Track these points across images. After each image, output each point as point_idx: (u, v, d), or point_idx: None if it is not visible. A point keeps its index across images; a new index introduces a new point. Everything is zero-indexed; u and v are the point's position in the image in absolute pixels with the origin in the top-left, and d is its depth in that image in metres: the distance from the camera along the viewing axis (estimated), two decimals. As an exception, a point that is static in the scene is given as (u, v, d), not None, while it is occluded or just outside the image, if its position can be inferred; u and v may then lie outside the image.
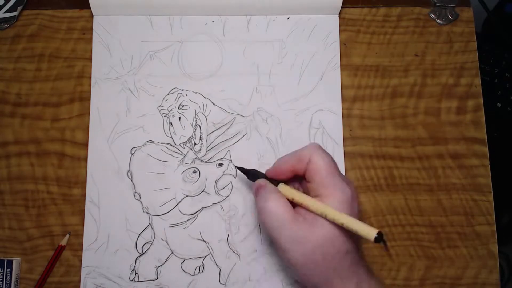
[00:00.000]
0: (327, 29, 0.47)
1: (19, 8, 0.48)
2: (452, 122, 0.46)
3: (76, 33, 0.48)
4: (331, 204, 0.35)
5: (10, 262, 0.43)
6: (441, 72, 0.47)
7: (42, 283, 0.43)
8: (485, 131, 0.46)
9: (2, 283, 0.43)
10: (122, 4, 0.47)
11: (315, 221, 0.35)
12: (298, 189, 0.39)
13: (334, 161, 0.37)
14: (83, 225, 0.44)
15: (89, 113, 0.46)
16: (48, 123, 0.46)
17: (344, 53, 0.48)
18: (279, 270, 0.43)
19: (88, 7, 0.47)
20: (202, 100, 0.46)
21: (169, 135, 0.45)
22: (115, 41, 0.47)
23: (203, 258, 0.44)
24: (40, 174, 0.45)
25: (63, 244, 0.44)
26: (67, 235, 0.44)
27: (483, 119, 0.46)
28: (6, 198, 0.45)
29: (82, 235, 0.44)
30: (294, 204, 0.37)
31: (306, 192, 0.38)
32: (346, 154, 0.45)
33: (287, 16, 0.48)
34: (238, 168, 0.42)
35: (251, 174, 0.41)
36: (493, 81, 0.63)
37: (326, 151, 0.37)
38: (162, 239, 0.44)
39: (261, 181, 0.39)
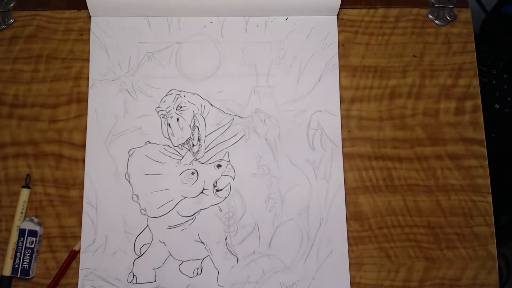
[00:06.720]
0: (325, 30, 0.47)
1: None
2: (450, 123, 0.46)
3: (74, 34, 0.48)
4: None
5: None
6: (439, 73, 0.47)
7: (55, 286, 0.43)
8: (483, 132, 0.46)
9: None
10: (119, 5, 0.47)
11: None
12: None
13: None
14: (80, 227, 0.44)
15: (86, 114, 0.46)
16: (46, 124, 0.46)
17: (343, 54, 0.48)
18: (278, 271, 0.43)
19: (86, 8, 0.47)
20: (200, 101, 0.46)
21: (167, 137, 0.45)
22: (113, 42, 0.47)
23: (202, 260, 0.43)
24: (38, 176, 0.45)
25: (76, 249, 0.43)
26: (80, 241, 0.43)
27: (482, 120, 0.46)
28: (3, 199, 0.45)
29: (80, 237, 0.44)
30: None
31: None
32: (344, 155, 0.45)
33: (286, 17, 0.48)
34: None
35: None
36: (491, 82, 0.63)
37: None
38: (160, 241, 0.44)
39: None
